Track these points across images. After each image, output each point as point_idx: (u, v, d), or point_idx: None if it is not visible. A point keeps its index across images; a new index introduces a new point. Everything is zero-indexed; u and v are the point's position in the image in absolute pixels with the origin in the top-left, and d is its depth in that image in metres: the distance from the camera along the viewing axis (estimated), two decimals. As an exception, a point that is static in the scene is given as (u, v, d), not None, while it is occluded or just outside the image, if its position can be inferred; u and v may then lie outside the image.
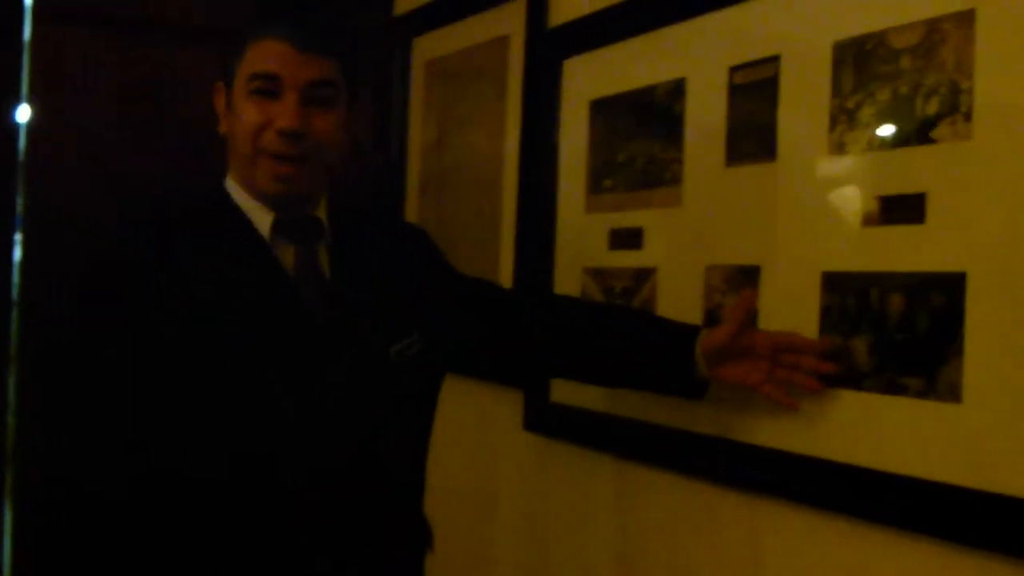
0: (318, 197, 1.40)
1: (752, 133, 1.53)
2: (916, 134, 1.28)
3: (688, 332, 1.44)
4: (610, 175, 1.82)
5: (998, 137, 1.19)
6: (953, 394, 1.22)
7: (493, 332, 1.58)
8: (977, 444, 1.19)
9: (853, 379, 1.34)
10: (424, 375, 1.45)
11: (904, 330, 1.28)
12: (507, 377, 2.02)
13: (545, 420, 1.97)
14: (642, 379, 1.51)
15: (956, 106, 1.23)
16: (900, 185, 1.30)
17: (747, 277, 1.51)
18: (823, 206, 1.39)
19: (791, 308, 1.43)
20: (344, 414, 1.32)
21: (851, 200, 1.35)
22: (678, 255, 1.65)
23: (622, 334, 1.50)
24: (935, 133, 1.26)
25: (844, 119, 1.38)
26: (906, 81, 1.29)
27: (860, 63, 1.36)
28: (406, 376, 1.38)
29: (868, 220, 1.34)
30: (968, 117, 1.22)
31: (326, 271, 1.38)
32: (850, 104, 1.37)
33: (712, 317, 1.56)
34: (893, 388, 1.29)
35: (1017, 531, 1.14)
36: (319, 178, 1.37)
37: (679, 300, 1.64)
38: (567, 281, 1.91)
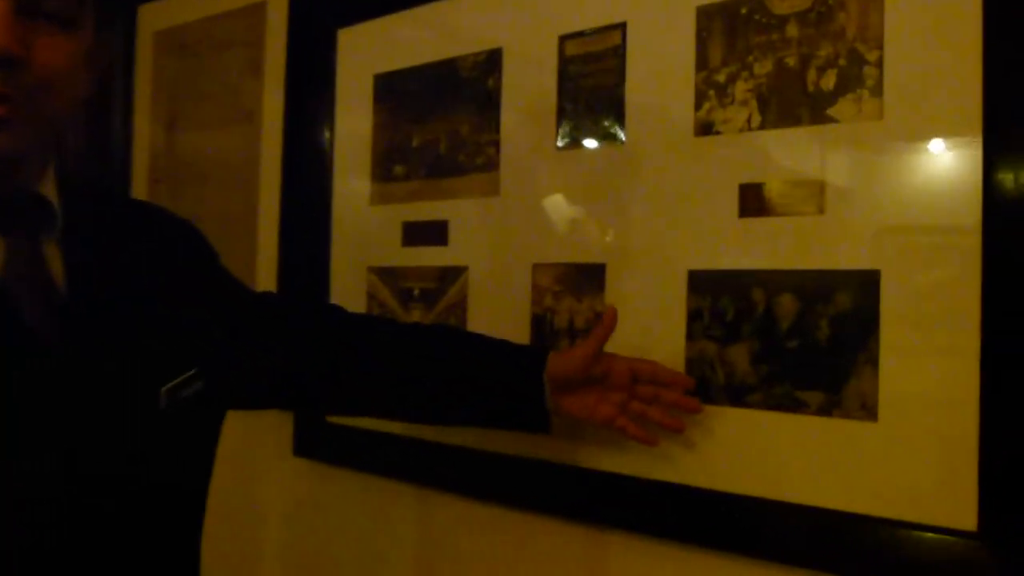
0: (40, 164, 0.83)
1: (592, 112, 1.20)
2: (809, 112, 1.02)
3: (534, 356, 1.05)
4: (403, 161, 1.41)
5: (913, 115, 0.95)
6: (866, 410, 0.96)
7: (292, 363, 1.10)
8: (896, 468, 0.94)
9: (733, 394, 1.05)
10: (203, 422, 0.94)
11: (799, 336, 1.00)
12: (304, 412, 1.54)
13: (320, 444, 1.50)
14: (477, 415, 1.10)
15: (861, 80, 0.98)
16: (790, 170, 1.02)
17: (588, 278, 1.17)
18: (687, 195, 1.09)
19: (647, 314, 1.11)
20: (81, 482, 0.78)
21: (726, 188, 1.07)
22: (496, 252, 1.28)
23: (452, 363, 1.08)
24: (834, 111, 1.00)
25: (713, 96, 1.08)
26: (794, 52, 1.03)
27: (732, 30, 1.08)
28: (181, 426, 0.88)
29: (748, 210, 1.05)
30: (877, 92, 0.97)
31: (57, 276, 0.82)
32: (720, 78, 1.08)
33: (541, 325, 1.21)
34: (787, 404, 1.01)
35: (948, 571, 0.90)
36: (42, 134, 0.80)
37: (498, 304, 1.27)
38: (349, 284, 1.46)
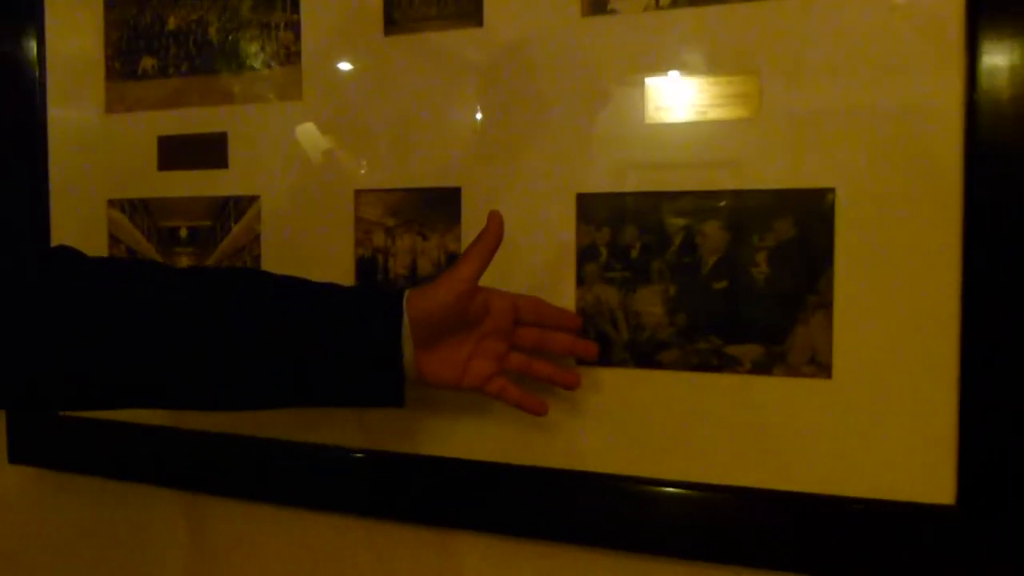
0: None
1: (429, -14, 0.85)
2: (735, -16, 0.74)
3: (383, 300, 0.67)
4: (153, 51, 0.97)
5: (871, -10, 0.71)
6: (817, 366, 0.72)
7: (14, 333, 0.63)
8: (857, 436, 0.70)
9: (641, 352, 0.75)
10: None
11: (729, 276, 0.73)
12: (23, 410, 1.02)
13: (46, 445, 1.02)
14: (297, 393, 0.68)
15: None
16: (713, 60, 0.73)
17: (436, 207, 0.83)
18: (572, 94, 0.77)
19: (521, 253, 0.79)
20: None
21: (625, 84, 0.76)
22: (300, 175, 0.89)
23: (255, 320, 0.65)
24: (769, -18, 0.73)
25: (601, -36, 0.78)
26: (711, -94, 0.75)
27: None
28: None
29: (657, 113, 0.77)
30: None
31: None
32: (610, -59, 0.78)
33: (371, 272, 0.85)
34: (714, 363, 0.74)
35: (924, 553, 0.69)
36: None
37: (306, 247, 0.87)
38: (79, 225, 0.98)
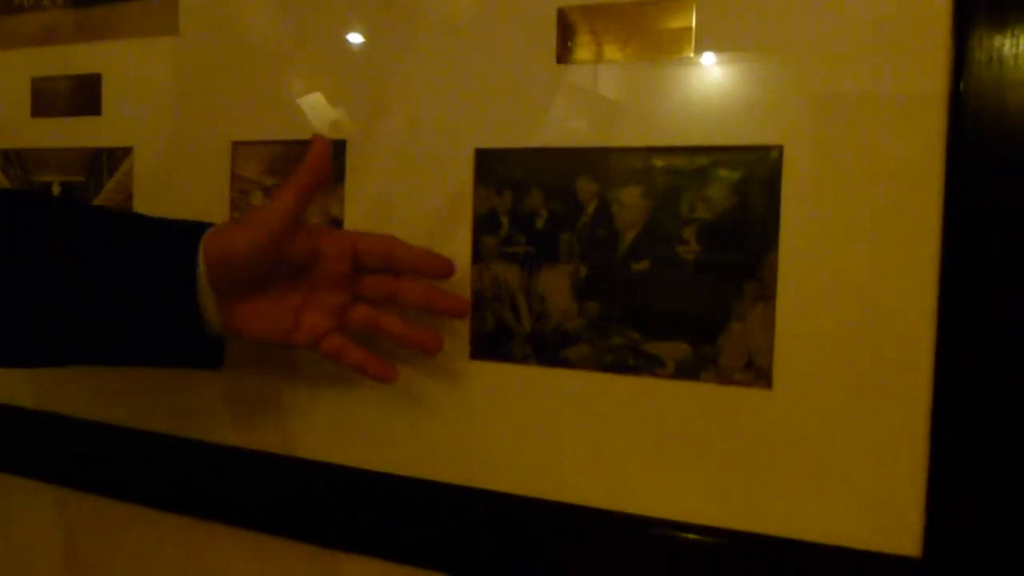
0: None
1: None
2: None
3: (175, 236, 0.56)
4: (31, -19, 0.85)
5: None
6: (755, 372, 0.58)
7: None
8: (802, 460, 0.57)
9: (545, 347, 0.62)
10: None
11: (652, 255, 0.59)
12: None
13: None
14: (91, 348, 0.56)
15: None
16: None
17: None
18: (469, 28, 0.63)
19: (409, 220, 0.65)
20: None
21: (530, 15, 0.61)
22: (176, 124, 0.77)
23: (27, 256, 0.54)
24: None
25: None
26: None
27: None
28: None
29: (571, 51, 0.62)
30: None
31: None
32: None
33: (248, 239, 0.74)
34: (631, 363, 0.60)
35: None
36: None
37: (180, 204, 0.75)
38: None
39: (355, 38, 0.67)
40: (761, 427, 0.56)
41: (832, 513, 0.55)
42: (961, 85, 0.50)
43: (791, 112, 0.55)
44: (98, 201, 0.79)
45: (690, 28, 0.57)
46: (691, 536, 0.57)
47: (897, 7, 0.52)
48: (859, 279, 0.53)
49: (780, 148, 0.55)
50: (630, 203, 0.59)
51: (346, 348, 0.60)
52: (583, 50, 0.60)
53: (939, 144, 0.51)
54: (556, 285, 0.61)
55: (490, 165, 0.63)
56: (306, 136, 0.69)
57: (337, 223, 0.68)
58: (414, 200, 0.65)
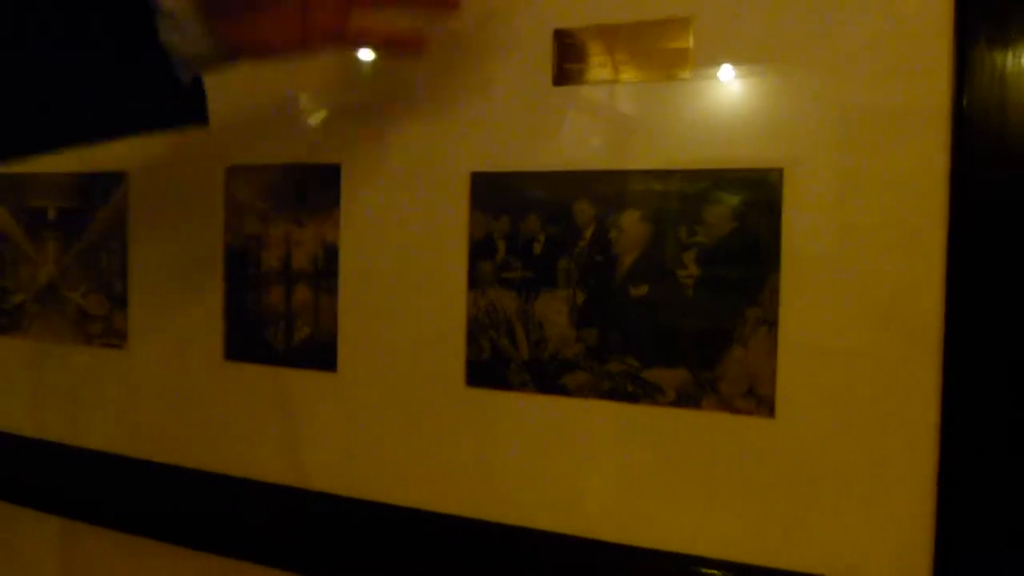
0: None
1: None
2: (666, -95, 0.59)
3: None
4: None
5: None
6: (758, 399, 0.57)
7: None
8: (806, 492, 0.56)
9: (543, 374, 0.60)
10: None
11: (651, 280, 0.59)
12: None
13: None
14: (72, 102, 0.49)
15: None
16: (634, 5, 0.60)
17: (313, 188, 0.68)
18: (465, 52, 0.64)
19: (406, 245, 0.64)
20: None
21: (528, 37, 0.61)
22: (172, 147, 0.76)
23: None
24: (708, -99, 0.57)
25: None
26: None
27: None
28: None
29: (569, 73, 0.62)
30: None
31: None
32: None
33: (241, 265, 0.73)
34: (630, 390, 0.60)
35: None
36: None
37: (173, 232, 0.76)
38: None
39: (352, 61, 0.67)
40: (764, 456, 0.55)
41: (838, 545, 0.53)
42: (964, 100, 0.50)
43: (791, 134, 0.54)
44: (94, 225, 0.78)
45: (688, 49, 0.57)
46: (691, 568, 0.56)
47: (897, 26, 0.52)
48: (863, 302, 0.52)
49: (780, 171, 0.54)
50: (628, 227, 0.58)
51: (368, 28, 0.55)
52: (580, 72, 0.60)
53: (943, 162, 0.51)
54: (554, 311, 0.60)
55: (486, 189, 0.62)
56: (303, 160, 0.69)
57: (332, 249, 0.67)
58: (410, 224, 0.65)
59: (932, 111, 0.51)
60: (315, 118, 0.68)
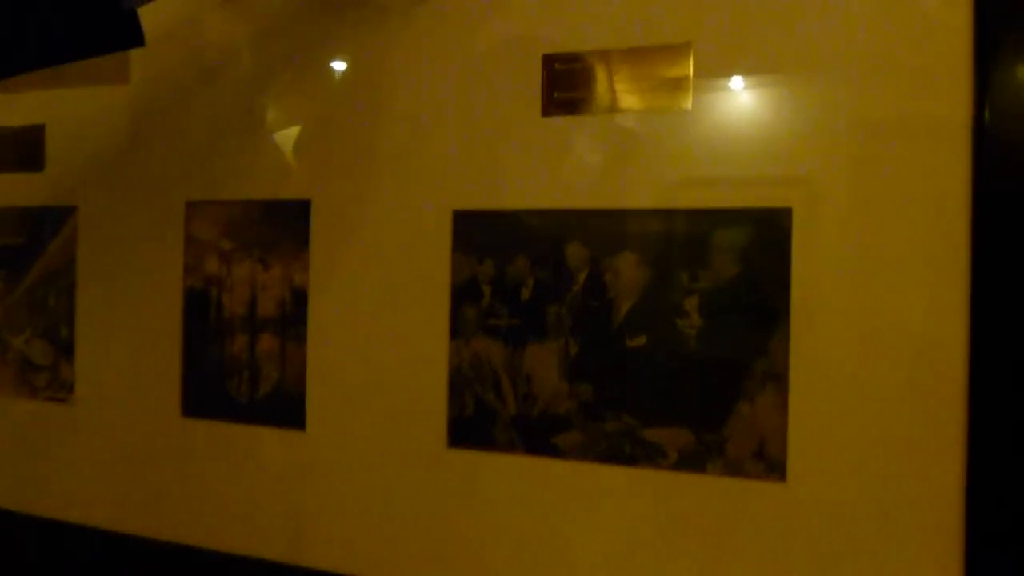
0: None
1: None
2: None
3: None
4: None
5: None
6: (767, 463, 0.52)
7: None
8: (826, 566, 0.51)
9: (531, 432, 0.56)
10: None
11: (649, 330, 0.55)
12: None
13: None
14: None
15: None
16: (629, 29, 0.55)
17: (282, 225, 0.64)
18: (444, 78, 0.60)
19: (382, 290, 0.61)
20: None
21: (516, 62, 0.56)
22: (123, 181, 0.71)
23: None
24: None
25: (492, -99, 0.59)
26: None
27: None
28: None
29: (559, 101, 0.57)
30: None
31: None
32: None
33: (201, 309, 0.67)
34: (628, 451, 0.55)
35: None
36: None
37: (125, 272, 0.71)
38: None
39: (322, 91, 0.62)
40: (776, 526, 0.50)
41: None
42: (986, 115, 0.46)
43: (800, 170, 0.50)
44: (39, 266, 0.72)
45: (687, 77, 0.52)
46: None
47: (913, 38, 0.48)
48: (882, 353, 0.48)
49: (789, 211, 0.50)
50: (625, 271, 0.54)
51: None
52: (571, 102, 0.55)
53: (963, 187, 0.47)
54: (544, 363, 0.55)
55: (469, 228, 0.57)
56: (270, 196, 0.64)
57: (301, 293, 0.62)
58: (386, 267, 0.60)
59: (951, 126, 0.47)
60: (284, 149, 0.63)
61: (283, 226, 0.63)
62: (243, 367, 0.64)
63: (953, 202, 0.47)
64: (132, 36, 0.55)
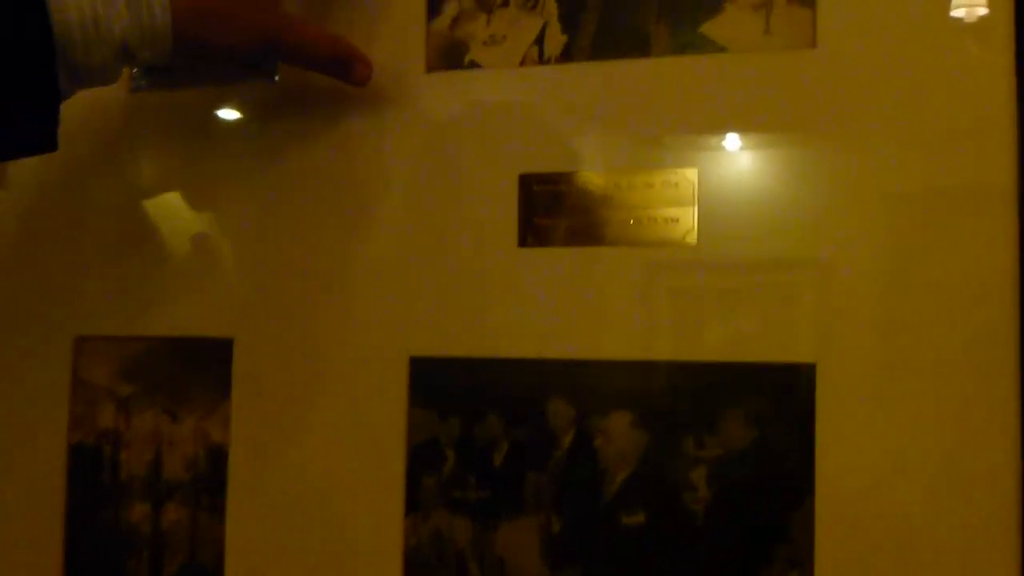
0: None
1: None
2: (668, 32, 0.49)
3: None
4: None
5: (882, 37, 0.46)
6: (798, 670, 0.44)
7: None
8: None
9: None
10: None
11: (647, 506, 0.47)
12: None
13: None
14: None
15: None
16: (620, 151, 0.47)
17: (196, 368, 0.53)
18: (410, 196, 0.51)
19: (324, 454, 0.50)
20: None
21: (490, 180, 0.49)
22: (2, 311, 0.60)
23: None
24: (714, 27, 0.48)
25: None
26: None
27: None
28: None
29: (537, 231, 0.50)
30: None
31: None
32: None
33: (91, 471, 0.54)
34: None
35: None
36: None
37: (10, 419, 0.59)
38: None
39: (256, 206, 0.53)
40: None
41: None
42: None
43: (826, 317, 0.44)
44: None
45: (691, 210, 0.46)
46: None
47: (949, 106, 0.43)
48: (922, 541, 0.42)
49: (812, 367, 0.44)
50: (618, 434, 0.46)
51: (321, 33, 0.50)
52: (552, 231, 0.48)
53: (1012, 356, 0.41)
54: (521, 543, 0.47)
55: (430, 379, 0.49)
56: (177, 332, 0.53)
57: (218, 451, 0.52)
58: (326, 422, 0.50)
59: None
60: (201, 275, 0.54)
61: (199, 369, 0.53)
62: (144, 543, 0.52)
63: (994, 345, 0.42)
64: (44, 138, 0.44)
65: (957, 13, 0.44)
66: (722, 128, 0.46)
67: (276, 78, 0.51)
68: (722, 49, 0.46)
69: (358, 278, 0.51)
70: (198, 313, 0.54)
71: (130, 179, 0.56)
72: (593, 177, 0.48)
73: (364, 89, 0.50)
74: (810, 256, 0.44)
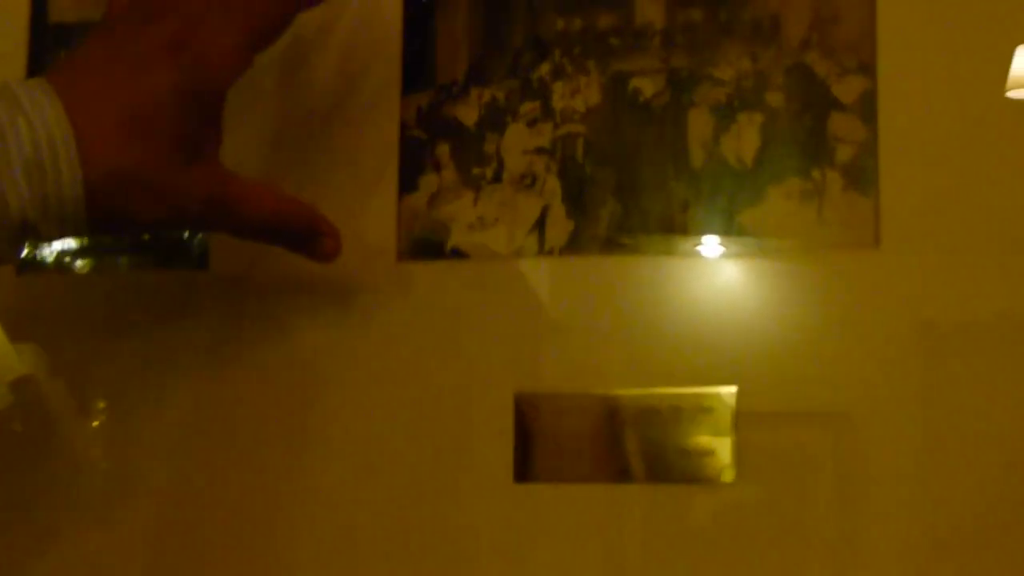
0: None
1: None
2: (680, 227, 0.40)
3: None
4: None
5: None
6: None
7: None
8: None
9: None
10: None
11: None
12: None
13: None
14: None
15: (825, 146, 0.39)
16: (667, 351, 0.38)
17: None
18: (384, 434, 0.42)
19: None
20: None
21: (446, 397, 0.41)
22: None
23: None
24: (751, 218, 0.39)
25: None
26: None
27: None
28: None
29: (538, 467, 0.41)
30: (858, 177, 0.38)
31: None
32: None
33: None
34: None
35: None
36: None
37: None
38: None
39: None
40: None
41: None
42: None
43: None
44: None
45: (730, 440, 0.37)
46: None
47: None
48: None
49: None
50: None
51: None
52: (554, 465, 0.39)
53: None
54: None
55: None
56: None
57: None
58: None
59: None
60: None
61: None
62: None
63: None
64: None
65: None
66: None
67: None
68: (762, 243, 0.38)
69: (337, 512, 0.41)
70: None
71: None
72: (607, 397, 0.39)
73: (310, 289, 0.41)
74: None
